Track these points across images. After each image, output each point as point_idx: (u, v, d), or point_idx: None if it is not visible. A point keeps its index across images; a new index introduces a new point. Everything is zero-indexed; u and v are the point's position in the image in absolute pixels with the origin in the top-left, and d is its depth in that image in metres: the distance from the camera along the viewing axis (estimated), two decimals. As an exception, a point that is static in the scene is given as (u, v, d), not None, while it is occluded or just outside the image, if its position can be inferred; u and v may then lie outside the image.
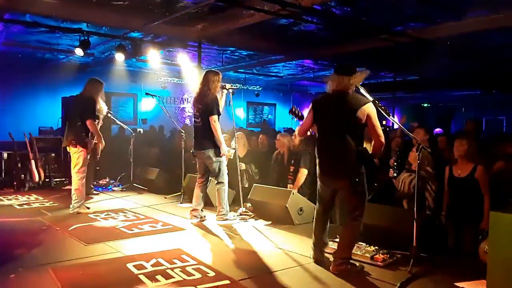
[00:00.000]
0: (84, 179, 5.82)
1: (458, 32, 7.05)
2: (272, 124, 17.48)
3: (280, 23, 7.58)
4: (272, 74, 13.79)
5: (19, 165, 7.80)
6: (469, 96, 16.05)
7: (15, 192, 7.47)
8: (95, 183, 7.96)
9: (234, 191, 6.11)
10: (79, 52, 7.96)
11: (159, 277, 3.42)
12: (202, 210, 5.49)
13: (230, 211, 5.52)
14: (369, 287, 3.39)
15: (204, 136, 5.23)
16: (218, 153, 5.22)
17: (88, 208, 6.01)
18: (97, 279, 3.42)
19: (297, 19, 7.12)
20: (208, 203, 5.95)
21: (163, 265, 3.70)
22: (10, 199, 6.77)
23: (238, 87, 7.35)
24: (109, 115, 6.91)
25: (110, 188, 8.04)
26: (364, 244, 4.05)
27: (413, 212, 3.76)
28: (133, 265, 3.66)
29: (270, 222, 5.34)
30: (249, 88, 16.10)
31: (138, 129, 12.11)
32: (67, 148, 5.85)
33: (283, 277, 3.51)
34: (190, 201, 5.74)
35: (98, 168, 8.16)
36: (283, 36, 8.46)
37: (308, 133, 4.05)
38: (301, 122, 4.02)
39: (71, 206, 5.77)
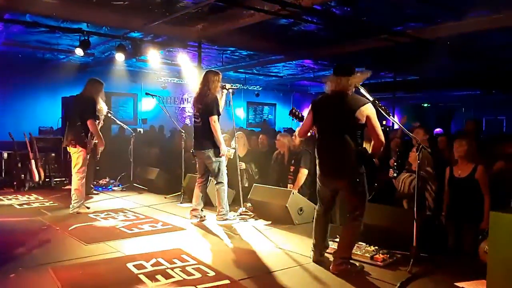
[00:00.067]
0: (84, 179, 5.82)
1: (458, 32, 7.05)
2: (272, 124, 17.47)
3: (280, 23, 7.58)
4: (272, 74, 13.79)
5: (19, 165, 7.80)
6: (469, 96, 16.05)
7: (15, 192, 7.48)
8: (95, 183, 7.96)
9: (234, 191, 6.11)
10: (79, 52, 7.96)
11: (159, 276, 3.42)
12: (202, 210, 5.49)
13: (230, 211, 5.53)
14: (369, 287, 3.39)
15: (204, 136, 5.23)
16: (217, 153, 5.22)
17: (88, 208, 6.01)
18: (97, 279, 3.42)
19: (297, 19, 7.12)
20: (208, 203, 5.95)
21: (163, 264, 3.70)
22: (10, 199, 6.78)
23: (238, 87, 7.36)
24: (109, 115, 6.92)
25: (110, 188, 8.04)
26: (364, 244, 4.05)
27: (413, 212, 3.76)
28: (133, 265, 3.66)
29: (270, 222, 5.35)
30: (249, 88, 16.10)
31: (138, 129, 12.12)
32: (67, 148, 5.86)
33: (283, 277, 3.51)
34: (190, 201, 5.74)
35: (98, 168, 8.16)
36: (283, 36, 8.46)
37: (309, 134, 4.05)
38: (301, 123, 4.02)
39: (71, 206, 5.77)
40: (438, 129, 10.45)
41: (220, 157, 5.26)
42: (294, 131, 6.84)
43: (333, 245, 3.92)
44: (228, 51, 10.41)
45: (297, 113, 4.27)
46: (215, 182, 5.37)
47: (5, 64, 10.64)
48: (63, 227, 4.98)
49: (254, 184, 5.87)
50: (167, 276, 3.44)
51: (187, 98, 14.98)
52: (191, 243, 4.48)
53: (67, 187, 7.56)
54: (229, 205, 5.56)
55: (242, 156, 6.57)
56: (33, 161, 7.74)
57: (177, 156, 7.35)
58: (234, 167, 5.86)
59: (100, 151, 6.58)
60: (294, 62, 11.62)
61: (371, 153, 3.68)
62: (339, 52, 9.07)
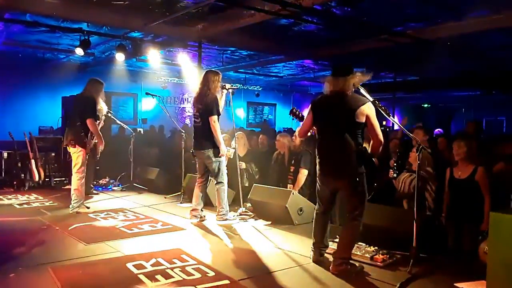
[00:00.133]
0: (84, 179, 5.82)
1: (458, 32, 7.05)
2: (272, 124, 17.48)
3: (280, 23, 7.58)
4: (272, 74, 13.79)
5: (19, 164, 7.80)
6: (469, 96, 16.06)
7: (15, 191, 7.48)
8: (95, 182, 7.96)
9: (234, 191, 6.11)
10: (79, 51, 7.97)
11: (158, 276, 3.42)
12: (202, 210, 5.49)
13: (230, 211, 5.52)
14: (368, 287, 3.38)
15: (204, 136, 5.23)
16: (217, 153, 5.22)
17: (88, 207, 6.01)
18: (97, 279, 3.41)
19: (298, 19, 7.12)
20: (208, 203, 5.95)
21: (163, 265, 3.69)
22: (10, 199, 6.77)
23: (238, 87, 7.36)
24: (109, 114, 6.92)
25: (110, 188, 8.04)
26: (364, 244, 4.05)
27: (413, 213, 3.76)
28: (133, 265, 3.66)
29: (270, 222, 5.34)
30: (249, 88, 16.10)
31: (138, 129, 12.12)
32: (67, 148, 5.86)
33: (282, 277, 3.51)
34: (190, 201, 5.74)
35: (98, 167, 8.16)
36: (284, 36, 8.47)
37: (309, 133, 4.05)
38: (301, 123, 4.02)
39: (70, 205, 5.77)
40: (438, 130, 10.46)
41: (220, 157, 5.26)
42: (294, 131, 6.84)
43: (333, 246, 3.92)
44: (228, 51, 10.41)
45: (297, 112, 4.27)
46: (215, 182, 5.36)
47: (5, 63, 10.64)
48: (63, 227, 4.98)
49: (254, 184, 5.87)
50: (167, 276, 3.44)
51: (187, 98, 14.99)
52: (191, 243, 4.48)
53: (67, 187, 7.55)
54: (229, 205, 5.55)
55: (242, 156, 6.57)
56: (33, 161, 7.75)
57: (177, 156, 7.35)
58: (234, 167, 5.86)
59: (100, 150, 6.59)
60: (294, 62, 11.62)
61: (370, 152, 3.68)
62: (339, 52, 9.07)
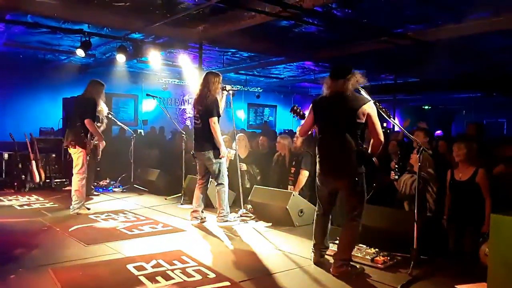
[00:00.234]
0: (84, 180, 5.82)
1: (459, 34, 7.05)
2: (273, 125, 17.47)
3: (281, 25, 7.59)
4: (273, 75, 13.79)
5: (20, 165, 7.81)
6: (470, 98, 16.05)
7: (16, 192, 7.48)
8: (95, 184, 7.96)
9: (235, 193, 6.11)
10: (80, 53, 7.97)
11: (159, 278, 3.42)
12: (202, 212, 5.49)
13: (230, 213, 5.52)
14: (369, 289, 3.39)
15: (204, 138, 5.23)
16: (218, 155, 5.22)
17: (89, 209, 6.01)
18: (97, 280, 3.42)
19: (298, 21, 7.12)
20: (208, 205, 5.95)
21: (163, 266, 3.69)
22: (11, 200, 6.78)
23: (238, 88, 7.37)
24: (109, 116, 6.93)
25: (111, 189, 8.04)
26: (364, 246, 4.05)
27: (414, 214, 3.76)
28: (133, 266, 3.66)
29: (270, 224, 5.34)
30: (250, 90, 16.11)
31: (138, 131, 12.12)
32: (68, 149, 5.86)
33: (283, 279, 3.51)
34: (191, 203, 5.74)
35: (98, 169, 8.16)
36: (284, 37, 8.47)
37: (309, 132, 4.05)
38: (302, 122, 4.02)
39: (71, 207, 5.78)
40: (438, 131, 10.45)
41: (220, 158, 5.26)
42: (295, 132, 6.85)
43: (333, 247, 3.92)
44: (229, 53, 10.41)
45: (298, 110, 4.28)
46: (216, 183, 5.36)
47: (6, 64, 10.65)
48: (63, 228, 4.98)
49: (255, 185, 5.87)
50: (167, 277, 3.44)
51: (188, 100, 14.99)
52: (192, 244, 4.48)
53: (67, 188, 7.55)
54: (229, 206, 5.55)
55: (244, 158, 6.58)
56: (33, 162, 7.75)
57: (177, 158, 7.35)
58: (235, 168, 5.86)
59: (100, 151, 6.60)
60: (295, 63, 11.62)
61: (370, 152, 3.68)
62: (340, 54, 9.07)
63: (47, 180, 8.01)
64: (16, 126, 9.20)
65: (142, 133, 12.71)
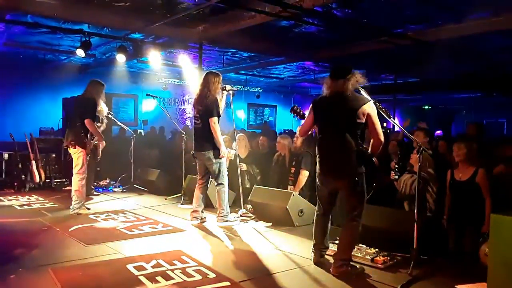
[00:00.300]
0: (84, 180, 5.82)
1: (459, 34, 7.05)
2: (273, 125, 17.47)
3: (281, 25, 7.59)
4: (273, 75, 13.79)
5: (20, 165, 7.81)
6: (470, 98, 16.05)
7: (16, 192, 7.48)
8: (95, 184, 7.97)
9: (235, 193, 6.11)
10: (80, 53, 7.97)
11: (159, 278, 3.42)
12: (202, 212, 5.49)
13: (230, 213, 5.52)
14: (369, 289, 3.39)
15: (204, 138, 5.23)
16: (218, 155, 5.22)
17: (89, 209, 6.01)
18: (97, 280, 3.42)
19: (298, 21, 7.12)
20: (208, 205, 5.95)
21: (163, 266, 3.69)
22: (11, 200, 6.78)
23: (238, 88, 7.37)
24: (109, 116, 6.93)
25: (111, 189, 8.04)
26: (364, 246, 4.05)
27: (414, 214, 3.76)
28: (133, 266, 3.66)
29: (270, 224, 5.34)
30: (250, 90, 16.10)
31: (138, 131, 12.12)
32: (68, 149, 5.87)
33: (283, 279, 3.51)
34: (191, 203, 5.74)
35: (98, 169, 8.16)
36: (284, 37, 8.47)
37: (309, 132, 4.05)
38: (302, 121, 4.03)
39: (71, 207, 5.78)
40: (438, 131, 10.45)
41: (220, 158, 5.26)
42: (295, 133, 6.85)
43: (333, 247, 3.92)
44: (229, 53, 10.41)
45: (298, 110, 4.28)
46: (216, 183, 5.36)
47: (6, 64, 10.65)
48: (63, 228, 4.98)
49: (255, 185, 5.87)
50: (167, 277, 3.44)
51: (188, 100, 14.99)
52: (192, 244, 4.48)
53: (67, 188, 7.55)
54: (229, 206, 5.55)
55: (244, 158, 6.58)
56: (33, 162, 7.76)
57: (177, 158, 7.35)
58: (235, 168, 5.85)
59: (100, 151, 6.60)
60: (295, 63, 11.62)
61: (370, 152, 3.68)
62: (340, 54, 9.07)
63: (47, 180, 8.01)
64: (16, 126, 9.21)
65: (142, 133, 12.71)
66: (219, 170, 5.28)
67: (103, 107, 6.32)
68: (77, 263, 3.81)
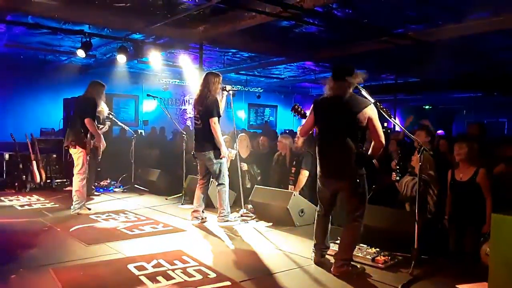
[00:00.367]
0: (85, 180, 5.83)
1: (459, 34, 7.05)
2: (274, 126, 17.48)
3: (281, 25, 7.59)
4: (273, 76, 13.80)
5: (21, 166, 7.82)
6: (470, 98, 16.04)
7: (17, 193, 7.49)
8: (96, 184, 7.97)
9: (235, 193, 6.11)
10: (81, 53, 7.98)
11: (160, 278, 3.42)
12: (203, 212, 5.49)
13: (231, 213, 5.52)
14: (370, 289, 3.39)
15: (205, 138, 5.23)
16: (218, 155, 5.22)
17: (89, 209, 6.02)
18: (98, 280, 3.42)
19: (299, 21, 7.12)
20: (209, 205, 5.95)
21: (164, 266, 3.70)
22: (12, 200, 6.78)
23: (239, 88, 7.36)
24: (110, 116, 6.93)
25: (111, 189, 8.04)
26: (365, 246, 4.05)
27: (415, 214, 3.76)
28: (134, 266, 3.66)
29: (271, 224, 5.34)
30: (251, 90, 16.11)
31: (139, 131, 12.12)
32: (69, 149, 5.87)
33: (284, 279, 3.51)
34: (191, 203, 5.74)
35: (99, 169, 8.17)
36: (285, 38, 8.47)
37: (310, 132, 4.05)
38: (303, 121, 4.03)
39: (72, 207, 5.78)
40: (439, 131, 10.43)
41: (221, 158, 5.26)
42: (296, 133, 6.84)
43: (334, 247, 3.92)
44: (230, 53, 10.42)
45: (299, 109, 4.28)
46: (216, 183, 5.37)
47: (7, 65, 10.68)
48: (64, 228, 4.99)
49: (255, 185, 5.87)
50: (168, 277, 3.44)
51: (188, 100, 15.00)
52: (192, 244, 4.48)
53: (68, 188, 7.56)
54: (230, 206, 5.55)
55: (245, 158, 6.58)
56: (34, 162, 7.76)
57: (178, 158, 7.35)
58: (236, 168, 5.86)
59: (101, 151, 6.60)
60: (295, 64, 11.62)
61: (370, 154, 3.68)
62: (340, 54, 9.08)
63: (47, 181, 8.01)
64: (17, 127, 9.22)
65: (143, 134, 12.72)
66: (220, 170, 5.29)
67: (103, 108, 6.33)
68: (78, 263, 3.81)
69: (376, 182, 5.19)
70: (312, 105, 3.84)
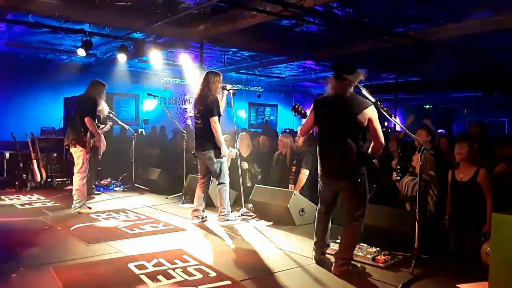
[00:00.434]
0: (85, 179, 5.83)
1: (460, 33, 7.05)
2: (274, 125, 17.47)
3: (282, 24, 7.59)
4: (274, 75, 13.79)
5: (21, 165, 7.82)
6: (471, 97, 16.02)
7: (17, 191, 7.49)
8: (96, 183, 7.97)
9: (236, 192, 6.11)
10: (81, 52, 7.98)
11: (160, 277, 3.42)
12: (203, 211, 5.49)
13: (231, 212, 5.52)
14: (370, 288, 3.39)
15: (205, 137, 5.23)
16: (218, 154, 5.22)
17: (90, 208, 6.02)
18: (98, 279, 3.42)
19: (299, 20, 7.12)
20: (209, 204, 5.95)
21: (164, 265, 3.70)
22: (12, 199, 6.79)
23: (239, 88, 7.36)
24: (110, 115, 6.93)
25: (112, 188, 8.05)
26: (365, 245, 4.05)
27: (415, 214, 3.76)
28: (135, 265, 3.67)
29: (271, 223, 5.34)
30: (251, 89, 16.10)
31: (139, 130, 12.12)
32: (69, 148, 5.87)
33: (284, 278, 3.51)
34: (192, 202, 5.74)
35: (100, 168, 8.17)
36: (285, 37, 8.47)
37: (310, 131, 4.06)
38: (303, 120, 4.02)
39: (72, 206, 5.78)
40: (440, 130, 10.42)
41: (221, 157, 5.26)
42: (296, 132, 6.84)
43: (334, 246, 3.92)
44: (230, 52, 10.41)
45: (299, 109, 4.28)
46: (217, 182, 5.37)
47: (7, 64, 10.67)
48: (64, 227, 4.99)
49: (256, 185, 5.87)
50: (168, 276, 3.44)
51: (189, 99, 14.99)
52: (193, 243, 4.48)
53: (68, 187, 7.57)
54: (230, 205, 5.55)
55: (245, 157, 6.58)
56: (35, 161, 7.76)
57: (178, 157, 7.35)
58: (236, 167, 5.86)
59: (101, 151, 6.60)
60: (295, 63, 11.61)
61: (371, 153, 3.68)
62: (341, 53, 9.07)
63: (48, 179, 8.02)
64: (18, 126, 9.22)
65: (143, 133, 12.72)
66: (220, 170, 5.29)
67: (104, 107, 6.33)
68: (78, 262, 3.82)
69: (376, 182, 5.19)
70: (312, 104, 3.83)
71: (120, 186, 8.18)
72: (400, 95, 14.16)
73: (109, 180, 8.42)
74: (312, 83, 15.13)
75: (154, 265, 3.68)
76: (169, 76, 13.86)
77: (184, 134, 7.07)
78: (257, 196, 5.61)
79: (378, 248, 3.99)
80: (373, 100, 3.62)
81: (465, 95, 15.70)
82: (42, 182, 7.85)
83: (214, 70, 5.56)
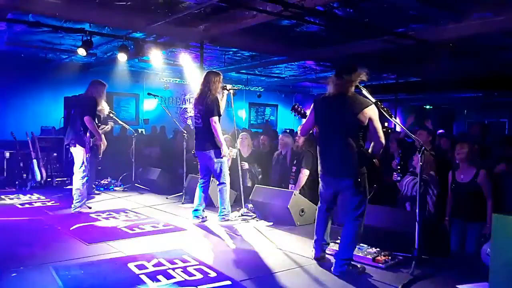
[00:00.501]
0: (85, 179, 5.83)
1: (460, 34, 7.05)
2: (274, 125, 17.47)
3: (282, 24, 7.59)
4: (274, 75, 13.79)
5: (21, 164, 7.83)
6: (471, 98, 16.03)
7: (17, 191, 7.49)
8: (96, 182, 7.97)
9: (236, 192, 6.10)
10: (81, 52, 7.98)
11: (160, 277, 3.42)
12: (203, 211, 5.49)
13: (231, 212, 5.52)
14: (370, 288, 3.38)
15: (205, 137, 5.23)
16: (219, 154, 5.22)
17: (90, 207, 6.02)
18: (98, 279, 3.41)
19: (300, 20, 7.12)
20: (209, 204, 5.95)
21: (164, 265, 3.69)
22: (12, 199, 6.78)
23: (239, 88, 7.36)
24: (111, 114, 6.93)
25: (112, 188, 8.04)
26: (365, 245, 4.05)
27: (415, 214, 3.75)
28: (134, 265, 3.66)
29: (271, 223, 5.34)
30: (251, 89, 16.10)
31: (139, 130, 12.13)
32: (70, 148, 5.88)
33: (284, 278, 3.51)
34: (192, 202, 5.74)
35: (100, 168, 8.17)
36: (286, 37, 8.47)
37: (310, 131, 4.05)
38: (303, 120, 4.02)
39: (72, 205, 5.78)
40: (440, 131, 10.42)
41: (222, 157, 5.26)
42: (296, 132, 6.84)
43: (334, 247, 3.92)
44: (231, 52, 10.41)
45: (299, 109, 4.27)
46: (217, 182, 5.37)
47: (7, 63, 10.66)
48: (64, 227, 4.99)
49: (256, 185, 5.86)
50: (168, 276, 3.44)
51: (189, 99, 14.99)
52: (193, 243, 4.48)
53: (68, 186, 7.56)
54: (230, 205, 5.55)
55: (246, 157, 6.58)
56: (35, 161, 7.76)
57: (179, 157, 7.35)
58: (236, 167, 5.85)
59: (102, 151, 6.60)
60: (296, 63, 11.61)
61: (371, 153, 3.68)
62: (342, 53, 9.07)
63: (48, 179, 8.02)
64: (18, 125, 9.23)
65: (143, 132, 12.72)
66: (221, 170, 5.28)
67: (104, 106, 6.33)
68: (78, 262, 3.81)
69: (376, 182, 5.18)
70: (312, 104, 3.83)
71: (120, 185, 8.18)
72: (401, 95, 14.17)
73: (109, 179, 8.42)
74: (312, 83, 15.13)
75: (154, 265, 3.68)
76: (170, 75, 13.86)
77: (184, 134, 7.06)
78: (257, 196, 5.60)
79: (378, 249, 3.98)
80: (373, 100, 3.62)
81: (466, 95, 15.70)
82: (42, 181, 7.85)
83: (214, 70, 5.56)
